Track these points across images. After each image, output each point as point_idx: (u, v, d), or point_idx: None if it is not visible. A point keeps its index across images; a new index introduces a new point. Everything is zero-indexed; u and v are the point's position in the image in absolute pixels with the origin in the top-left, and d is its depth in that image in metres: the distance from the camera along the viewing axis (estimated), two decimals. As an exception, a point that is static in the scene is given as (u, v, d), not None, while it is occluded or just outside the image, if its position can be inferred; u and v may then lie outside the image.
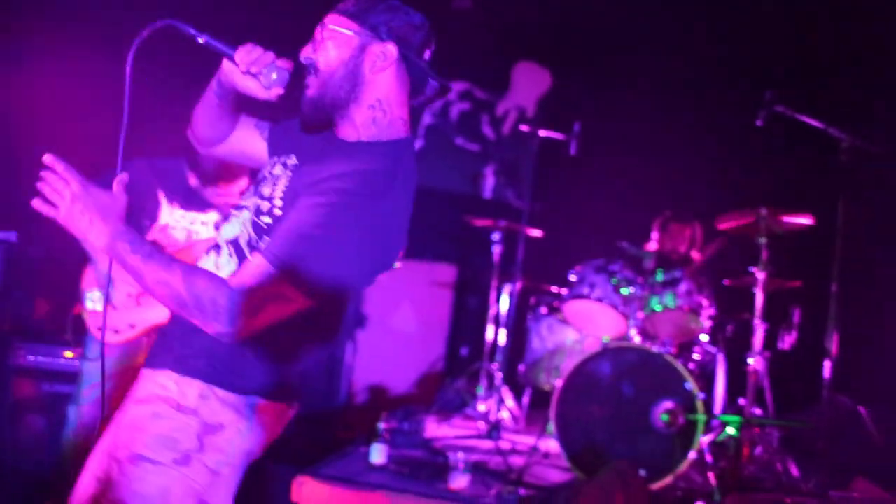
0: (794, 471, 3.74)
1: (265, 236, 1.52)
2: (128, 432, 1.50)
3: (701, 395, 3.30)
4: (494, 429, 3.97)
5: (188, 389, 1.49)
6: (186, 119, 1.81)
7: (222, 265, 1.56)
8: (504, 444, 4.05)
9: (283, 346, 1.50)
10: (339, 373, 5.75)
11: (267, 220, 1.53)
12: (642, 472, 3.29)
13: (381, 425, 3.40)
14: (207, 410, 1.48)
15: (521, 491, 3.18)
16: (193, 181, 2.88)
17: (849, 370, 3.87)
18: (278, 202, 1.53)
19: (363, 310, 5.84)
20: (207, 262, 1.60)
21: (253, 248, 1.53)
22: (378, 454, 3.38)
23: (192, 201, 2.87)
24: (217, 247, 1.61)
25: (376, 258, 1.52)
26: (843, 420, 4.03)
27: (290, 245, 1.39)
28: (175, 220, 2.80)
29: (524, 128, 4.05)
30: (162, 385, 1.51)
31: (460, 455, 3.22)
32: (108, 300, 1.66)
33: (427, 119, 6.43)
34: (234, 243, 1.57)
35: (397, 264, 2.89)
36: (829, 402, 3.60)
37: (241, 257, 1.54)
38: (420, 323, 6.00)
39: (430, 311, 6.06)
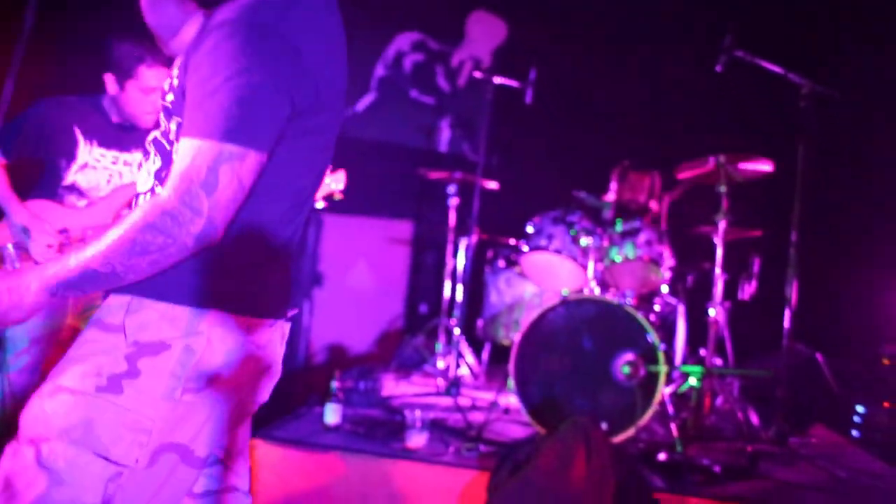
0: (755, 419, 3.73)
1: (172, 116, 1.34)
2: (56, 366, 1.32)
3: (662, 346, 3.23)
4: (453, 385, 3.88)
5: (115, 305, 1.29)
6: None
7: (150, 168, 1.39)
8: (463, 401, 3.97)
9: (222, 243, 1.28)
10: (297, 333, 5.65)
11: (170, 97, 1.35)
12: (604, 426, 3.23)
13: (335, 384, 3.28)
14: (138, 327, 1.27)
15: (481, 447, 3.11)
16: (116, 118, 2.64)
17: (808, 318, 3.85)
18: (175, 71, 1.35)
19: (318, 269, 5.72)
20: (141, 173, 1.43)
21: (165, 135, 1.36)
22: (332, 414, 3.26)
23: (114, 139, 2.64)
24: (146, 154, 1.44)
25: (294, 87, 1.28)
26: (802, 368, 4.03)
27: (202, 106, 1.22)
28: (95, 160, 2.58)
29: (478, 74, 3.87)
30: (97, 309, 1.34)
31: (417, 413, 3.11)
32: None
33: (380, 71, 6.22)
34: (154, 140, 1.40)
35: (339, 187, 2.74)
36: (787, 351, 3.58)
37: (162, 150, 1.37)
38: (378, 281, 5.91)
39: (387, 268, 5.97)
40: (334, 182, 2.76)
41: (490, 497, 2.65)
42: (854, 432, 4.59)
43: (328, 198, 2.77)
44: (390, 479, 2.94)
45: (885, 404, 4.37)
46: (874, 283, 4.80)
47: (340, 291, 5.72)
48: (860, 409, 4.61)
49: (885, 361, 4.51)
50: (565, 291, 3.88)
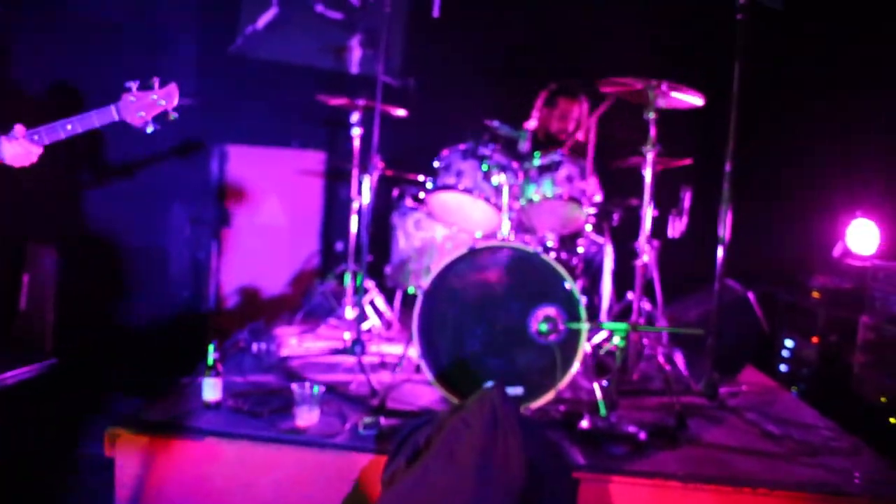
0: (683, 364, 3.48)
1: None
2: None
3: (583, 299, 2.87)
4: (357, 343, 3.46)
5: None
6: None
7: None
8: (371, 358, 3.59)
9: None
10: (206, 276, 5.20)
11: None
12: (520, 390, 2.89)
13: (212, 356, 2.83)
14: None
15: (382, 421, 2.73)
16: None
17: (735, 250, 3.55)
18: None
19: (225, 205, 5.24)
20: None
21: None
22: (210, 390, 2.82)
23: None
24: None
25: None
26: (733, 308, 3.77)
27: None
28: None
29: (371, -18, 3.31)
30: None
31: (307, 387, 2.71)
32: None
33: (280, -18, 5.53)
34: None
35: (173, 103, 2.29)
36: (719, 296, 3.28)
37: None
38: (290, 216, 5.47)
39: (299, 202, 5.53)
40: (163, 98, 2.26)
41: (384, 490, 2.29)
42: (782, 367, 4.43)
43: (159, 118, 2.28)
44: (276, 466, 2.55)
45: (814, 339, 4.19)
46: (802, 213, 4.56)
47: (250, 229, 5.29)
48: (789, 343, 4.43)
49: (815, 294, 4.30)
50: (479, 234, 3.48)
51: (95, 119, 2.20)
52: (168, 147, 4.66)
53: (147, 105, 2.24)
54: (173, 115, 2.30)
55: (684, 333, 3.83)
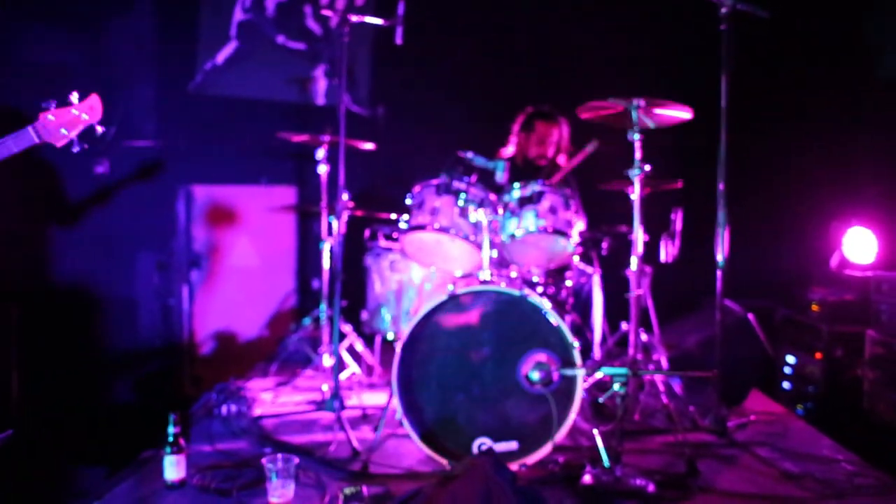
0: (681, 392, 3.25)
1: None
2: None
3: (576, 342, 2.64)
4: (335, 398, 3.19)
5: None
6: None
7: None
8: (352, 411, 3.33)
9: None
10: (178, 323, 4.94)
11: None
12: (513, 445, 2.65)
13: (172, 430, 2.55)
14: None
15: (365, 490, 2.47)
16: None
17: (731, 268, 3.34)
18: None
19: (195, 249, 5.01)
20: None
21: None
22: (172, 469, 2.55)
23: None
24: None
25: None
26: (733, 331, 3.55)
27: None
28: None
29: (327, 13, 3.07)
30: None
31: (279, 459, 2.44)
32: None
33: (238, 15, 5.31)
34: None
35: (96, 117, 2.07)
36: (720, 318, 3.06)
37: None
38: (263, 255, 5.24)
39: (272, 240, 5.30)
40: (85, 112, 2.03)
41: (369, 581, 2.03)
42: (785, 384, 4.21)
43: (87, 135, 2.05)
44: (248, 552, 2.29)
45: (818, 355, 3.97)
46: (794, 223, 4.37)
47: (223, 271, 5.07)
48: (790, 359, 4.22)
49: (814, 308, 4.09)
50: (458, 274, 3.24)
51: (12, 144, 1.97)
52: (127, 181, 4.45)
53: (69, 122, 2.02)
54: (101, 129, 2.07)
55: (684, 359, 3.63)
